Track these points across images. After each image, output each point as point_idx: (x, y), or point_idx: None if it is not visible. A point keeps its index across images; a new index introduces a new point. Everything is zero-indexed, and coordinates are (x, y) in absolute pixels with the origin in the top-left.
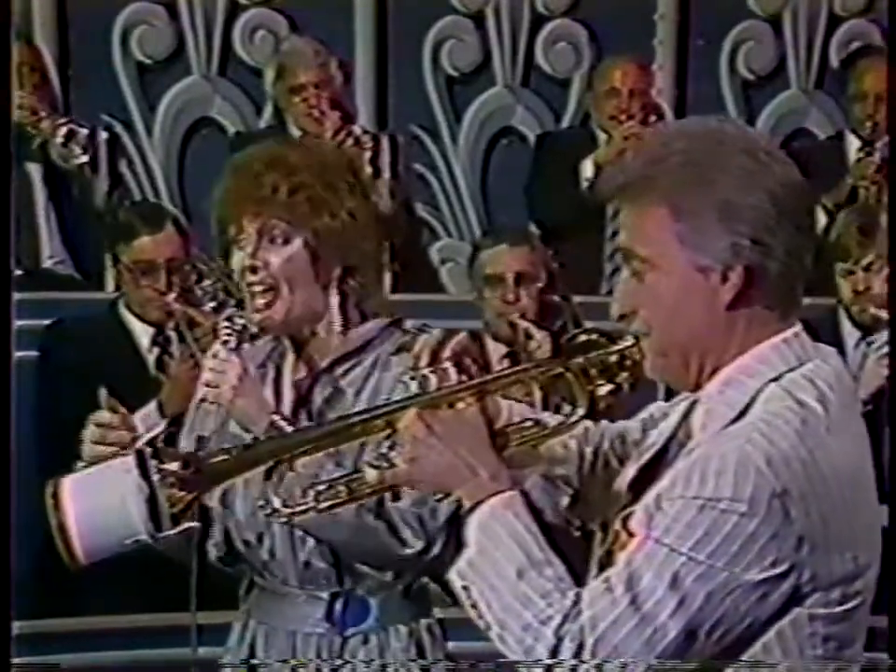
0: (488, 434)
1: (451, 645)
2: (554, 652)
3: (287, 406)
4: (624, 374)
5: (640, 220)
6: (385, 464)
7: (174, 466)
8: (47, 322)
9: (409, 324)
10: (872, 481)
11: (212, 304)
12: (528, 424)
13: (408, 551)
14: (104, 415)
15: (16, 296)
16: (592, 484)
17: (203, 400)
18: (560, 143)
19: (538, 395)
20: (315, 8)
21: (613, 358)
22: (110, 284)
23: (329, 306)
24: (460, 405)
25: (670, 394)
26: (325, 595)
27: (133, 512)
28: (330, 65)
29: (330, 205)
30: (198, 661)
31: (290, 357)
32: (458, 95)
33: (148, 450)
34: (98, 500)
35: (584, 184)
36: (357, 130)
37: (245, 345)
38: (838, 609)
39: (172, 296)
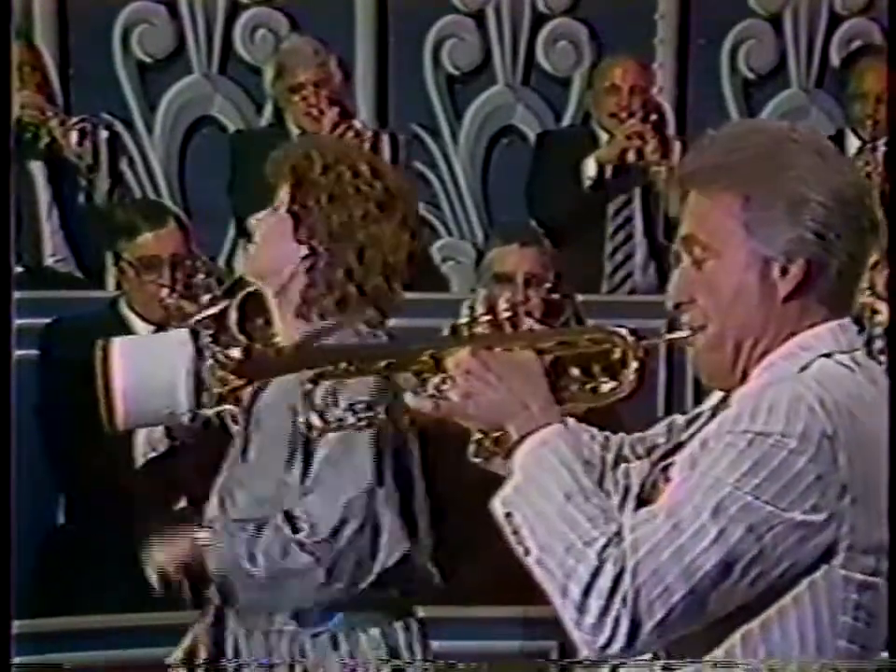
0: (542, 374)
1: (437, 645)
2: (595, 575)
3: None
4: (627, 372)
5: (709, 207)
6: (435, 395)
7: (233, 352)
8: (47, 321)
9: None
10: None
11: (206, 297)
12: (575, 387)
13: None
14: None
15: (16, 294)
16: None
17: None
18: (560, 142)
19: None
20: (316, 7)
21: (616, 356)
22: (111, 282)
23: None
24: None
25: (670, 396)
26: None
27: (180, 384)
28: (330, 64)
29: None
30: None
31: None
32: (459, 94)
33: (205, 331)
34: (148, 366)
35: (587, 182)
36: (357, 124)
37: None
38: (872, 577)
39: (165, 290)
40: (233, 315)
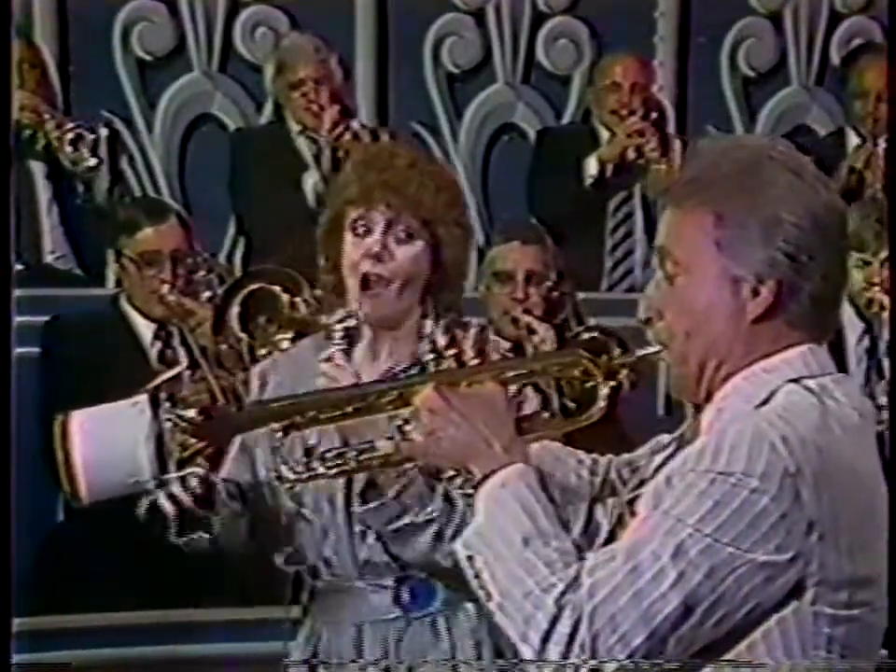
0: (506, 410)
1: None
2: (553, 622)
3: None
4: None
5: (682, 222)
6: (399, 436)
7: (189, 413)
8: (47, 318)
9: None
10: (884, 499)
11: (207, 295)
12: (546, 414)
13: None
14: None
15: (16, 292)
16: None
17: None
18: (561, 139)
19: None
20: (316, 5)
21: (616, 361)
22: (111, 280)
23: (413, 310)
24: (477, 386)
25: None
26: (390, 582)
27: (140, 453)
28: (330, 61)
29: (455, 215)
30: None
31: (362, 353)
32: (459, 92)
33: (163, 394)
34: (108, 437)
35: (588, 181)
36: (355, 125)
37: (307, 340)
38: (844, 611)
39: (166, 287)
40: (235, 312)
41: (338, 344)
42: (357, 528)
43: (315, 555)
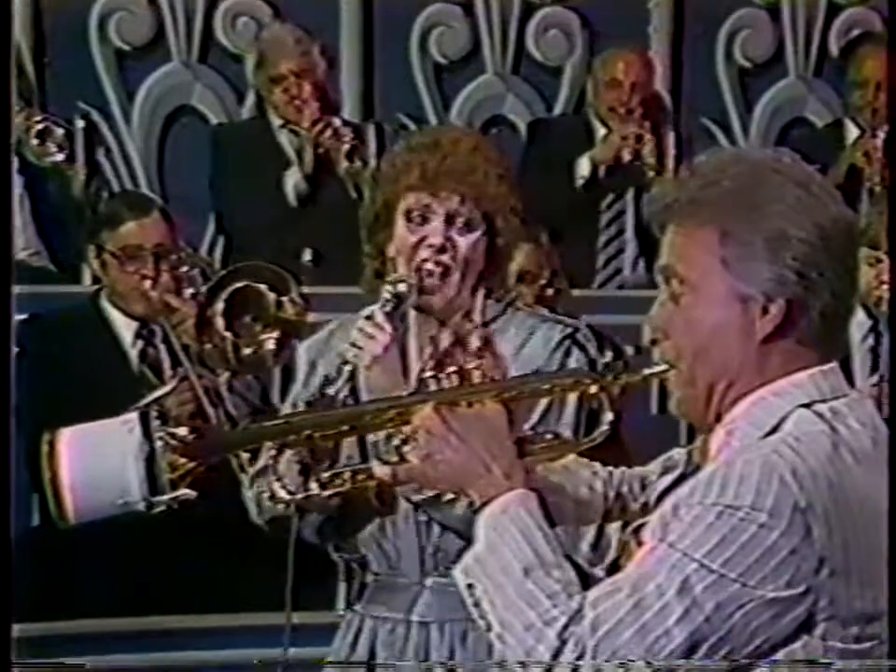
0: (507, 433)
1: None
2: (556, 656)
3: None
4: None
5: (686, 241)
6: (395, 458)
7: (180, 431)
8: (23, 317)
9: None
10: (886, 528)
11: (190, 291)
12: (549, 436)
13: None
14: None
15: None
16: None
17: (345, 362)
18: (552, 132)
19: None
20: None
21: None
22: (87, 276)
23: (474, 299)
24: (478, 406)
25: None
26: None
27: (130, 473)
28: (313, 53)
29: (513, 203)
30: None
31: (414, 342)
32: (447, 83)
33: (153, 412)
34: (96, 456)
35: (579, 181)
36: (336, 122)
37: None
38: (855, 646)
39: (148, 283)
40: (219, 310)
41: (383, 306)
42: (422, 518)
43: (373, 547)
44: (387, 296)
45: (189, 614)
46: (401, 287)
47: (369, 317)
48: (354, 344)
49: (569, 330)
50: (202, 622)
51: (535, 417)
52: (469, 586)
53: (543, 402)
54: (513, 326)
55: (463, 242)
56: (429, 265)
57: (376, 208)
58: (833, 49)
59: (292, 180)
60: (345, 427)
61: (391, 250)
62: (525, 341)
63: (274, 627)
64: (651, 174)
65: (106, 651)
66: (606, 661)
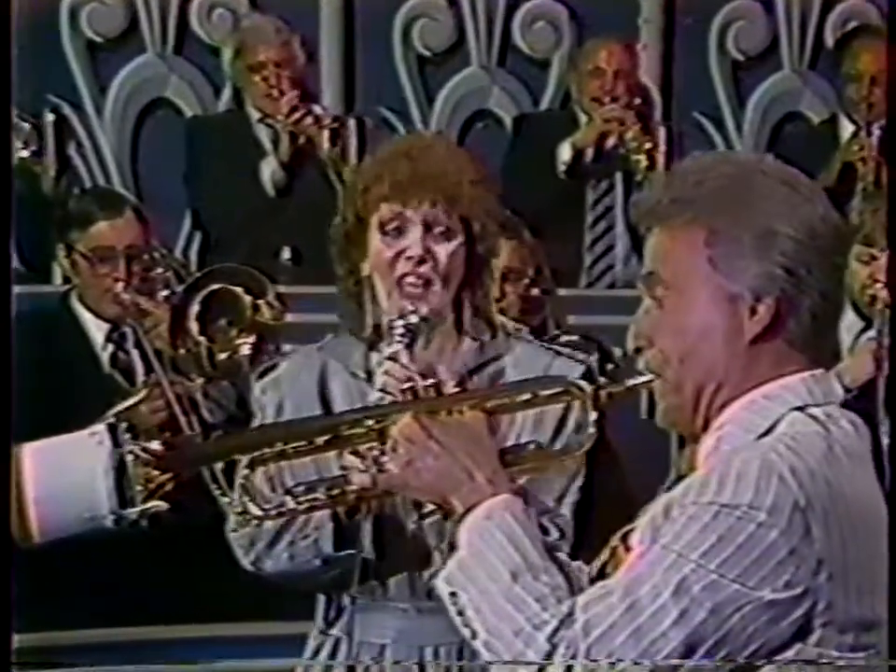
0: (489, 439)
1: None
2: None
3: None
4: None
5: (671, 242)
6: (374, 468)
7: (152, 445)
8: None
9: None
10: (885, 535)
11: (164, 293)
12: (531, 447)
13: None
14: None
15: None
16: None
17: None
18: (539, 126)
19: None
20: None
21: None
22: (59, 276)
23: (462, 312)
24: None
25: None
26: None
27: (99, 485)
28: (293, 43)
29: (490, 207)
30: None
31: (422, 351)
32: (430, 76)
33: (122, 424)
34: (62, 470)
35: (561, 167)
36: (316, 109)
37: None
38: (850, 654)
39: (120, 285)
40: (194, 314)
41: (400, 342)
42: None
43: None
44: (401, 331)
45: (184, 624)
46: (413, 319)
47: (392, 358)
48: (384, 390)
49: (583, 368)
50: (197, 631)
51: (517, 429)
52: (452, 594)
53: (529, 413)
54: (525, 360)
55: (442, 251)
56: (410, 279)
57: (347, 226)
58: (829, 41)
59: (269, 169)
60: (322, 441)
61: (366, 268)
62: None
63: (278, 637)
64: (643, 166)
65: (100, 662)
66: (594, 661)
